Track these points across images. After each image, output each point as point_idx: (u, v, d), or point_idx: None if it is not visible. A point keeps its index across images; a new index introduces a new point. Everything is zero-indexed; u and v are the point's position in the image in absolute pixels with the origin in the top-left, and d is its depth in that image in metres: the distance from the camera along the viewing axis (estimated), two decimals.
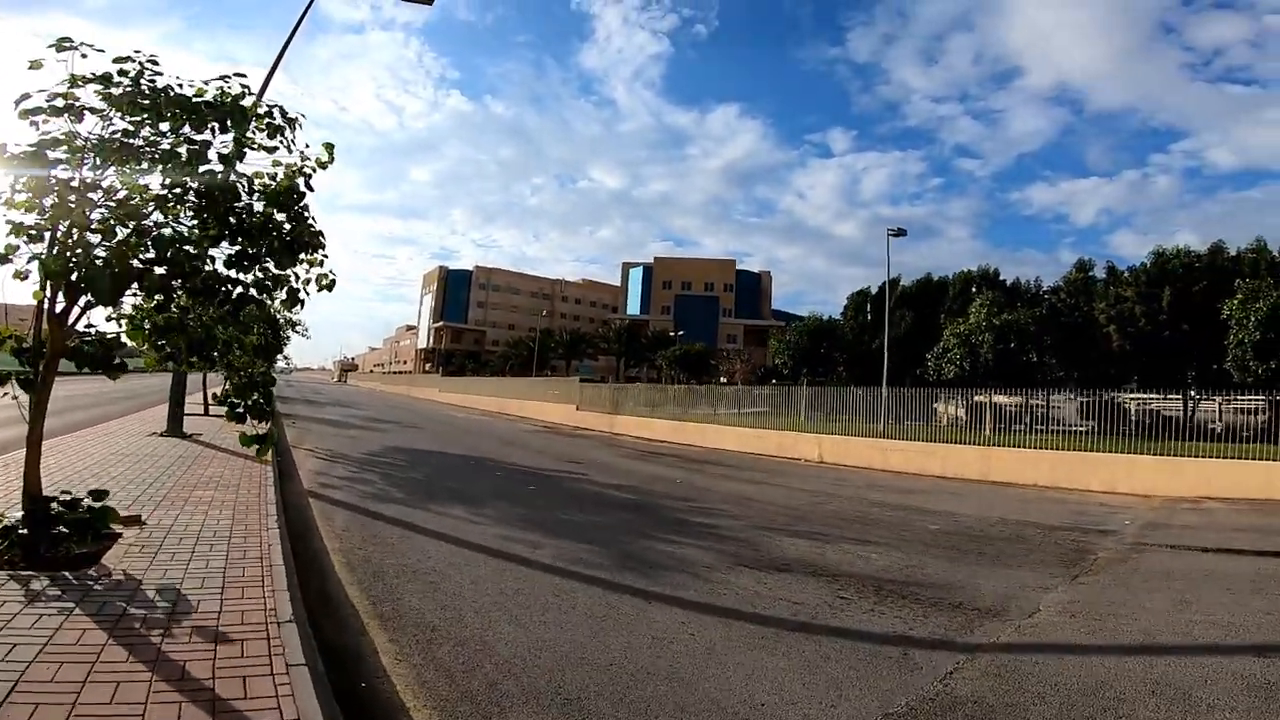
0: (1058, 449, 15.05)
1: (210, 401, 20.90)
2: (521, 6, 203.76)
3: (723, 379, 46.76)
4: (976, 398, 19.30)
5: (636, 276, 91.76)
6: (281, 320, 19.89)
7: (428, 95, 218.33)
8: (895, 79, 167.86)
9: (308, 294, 5.47)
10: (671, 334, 60.60)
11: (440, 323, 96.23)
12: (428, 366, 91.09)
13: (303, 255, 5.12)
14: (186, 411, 14.84)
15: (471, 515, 8.65)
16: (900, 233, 23.92)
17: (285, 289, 5.21)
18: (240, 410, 7.54)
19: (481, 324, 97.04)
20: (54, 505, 4.77)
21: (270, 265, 4.87)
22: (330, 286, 5.66)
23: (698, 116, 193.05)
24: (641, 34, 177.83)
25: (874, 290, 43.95)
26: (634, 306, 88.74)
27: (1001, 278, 40.65)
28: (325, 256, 5.47)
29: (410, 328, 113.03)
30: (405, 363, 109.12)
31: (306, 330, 20.91)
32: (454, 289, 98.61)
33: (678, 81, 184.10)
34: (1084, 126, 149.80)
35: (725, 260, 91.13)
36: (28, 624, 3.54)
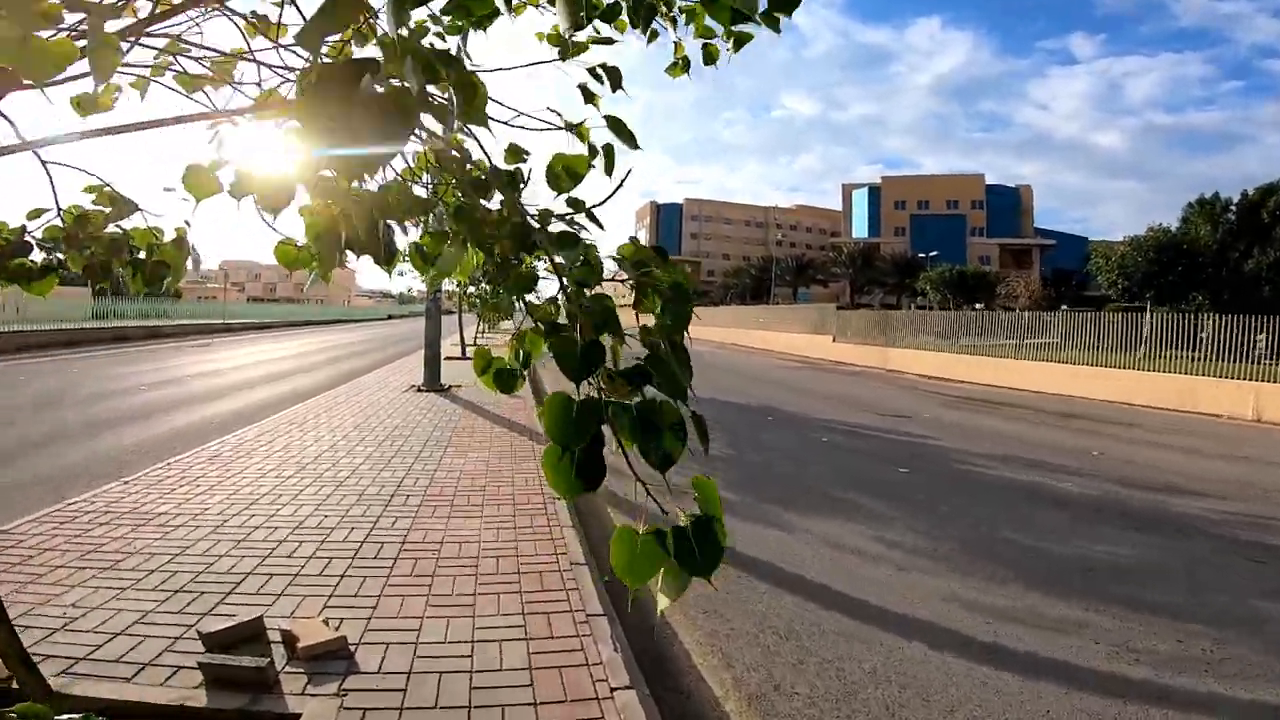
0: None
1: (468, 343, 19.51)
2: None
3: (977, 304, 38.11)
4: None
5: (860, 198, 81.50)
6: None
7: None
8: None
9: None
10: (920, 256, 51.28)
11: None
12: None
13: None
14: (444, 355, 12.64)
15: (875, 542, 4.56)
16: None
17: None
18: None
19: (696, 255, 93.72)
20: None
21: None
22: (685, 66, 1.72)
23: (893, 32, 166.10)
24: None
25: (1234, 197, 31.36)
26: (860, 229, 78.91)
27: None
28: None
29: None
30: (623, 296, 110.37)
31: None
32: (666, 222, 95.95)
33: None
34: None
35: (970, 176, 76.66)
36: None
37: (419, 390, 11.00)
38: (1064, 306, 31.80)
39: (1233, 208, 31.56)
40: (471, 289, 18.04)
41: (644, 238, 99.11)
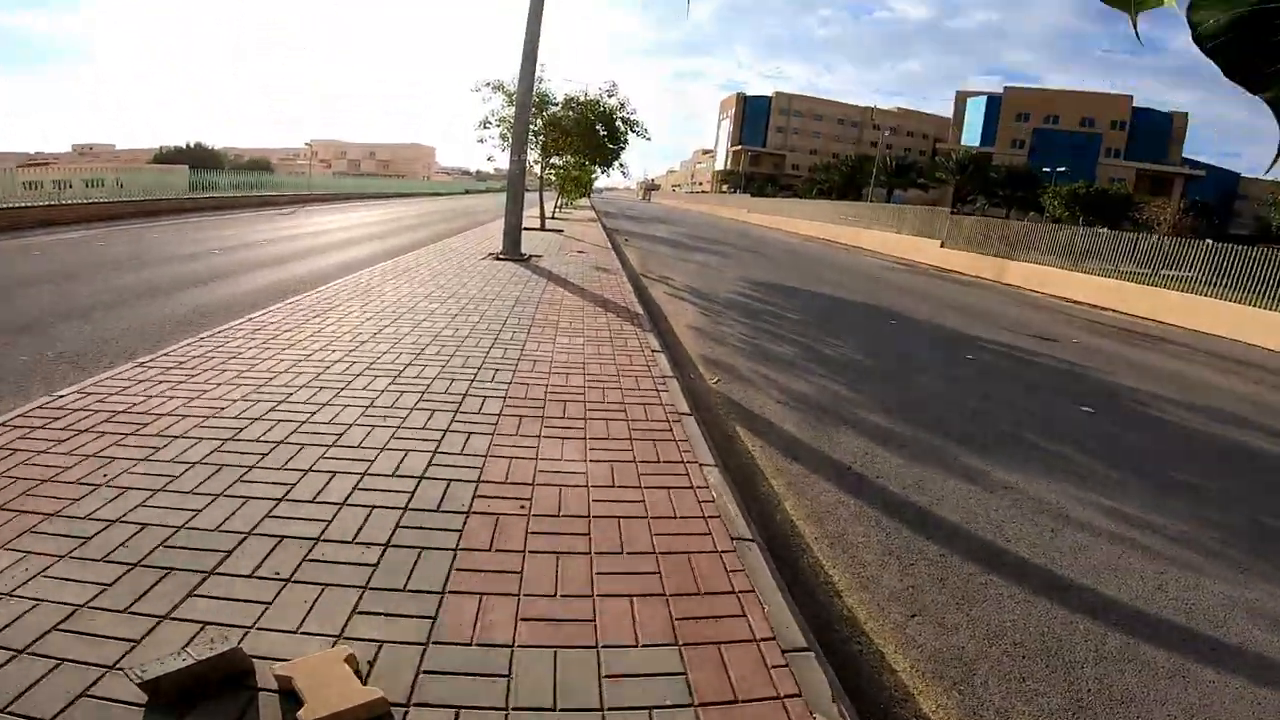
0: None
1: (547, 215, 17.96)
2: None
3: (1104, 225, 33.26)
4: None
5: (977, 106, 74.09)
6: (619, 122, 15.28)
7: None
8: None
9: None
10: (1045, 170, 45.13)
11: (739, 146, 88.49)
12: (725, 187, 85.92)
13: None
14: (525, 225, 11.29)
15: (1093, 510, 3.33)
16: None
17: None
18: None
19: (781, 149, 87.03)
20: None
21: None
22: None
23: None
24: None
25: None
26: (972, 138, 71.94)
27: None
28: None
29: (706, 152, 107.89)
30: (701, 184, 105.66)
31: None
32: (752, 115, 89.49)
33: None
34: None
35: (1116, 95, 67.87)
36: None
37: (496, 258, 9.74)
38: (1207, 240, 27.42)
39: None
40: (556, 160, 16.47)
41: (726, 129, 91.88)
